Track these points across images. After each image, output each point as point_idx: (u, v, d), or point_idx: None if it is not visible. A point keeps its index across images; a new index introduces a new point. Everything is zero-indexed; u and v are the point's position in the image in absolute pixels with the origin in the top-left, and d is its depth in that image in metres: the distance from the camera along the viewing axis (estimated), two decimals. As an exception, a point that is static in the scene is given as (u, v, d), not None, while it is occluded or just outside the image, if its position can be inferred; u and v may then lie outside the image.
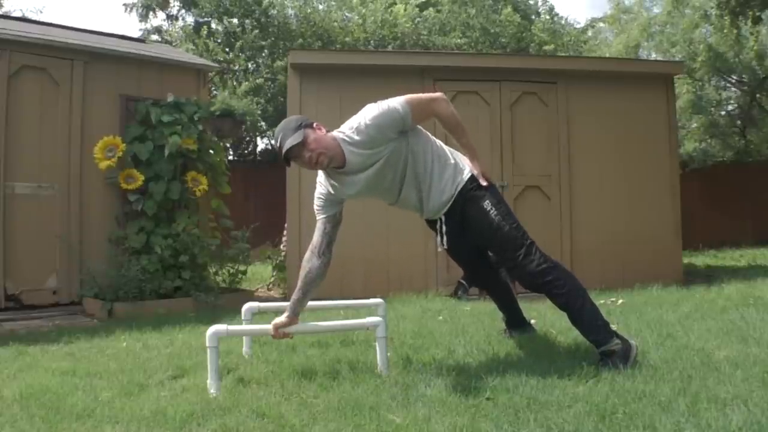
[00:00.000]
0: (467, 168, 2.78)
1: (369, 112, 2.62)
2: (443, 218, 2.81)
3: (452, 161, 2.78)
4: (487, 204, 2.71)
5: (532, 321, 3.35)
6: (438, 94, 2.78)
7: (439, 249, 2.91)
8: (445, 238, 2.82)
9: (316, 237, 2.74)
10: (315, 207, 2.80)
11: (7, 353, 3.29)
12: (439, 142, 2.84)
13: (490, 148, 6.07)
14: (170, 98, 5.43)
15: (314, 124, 2.66)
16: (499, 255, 2.87)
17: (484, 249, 3.00)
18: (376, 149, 2.62)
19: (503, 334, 3.29)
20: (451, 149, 2.85)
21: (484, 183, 2.73)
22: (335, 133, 2.68)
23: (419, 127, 2.76)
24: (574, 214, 6.15)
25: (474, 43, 14.21)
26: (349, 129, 2.64)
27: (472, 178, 2.75)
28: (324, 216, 2.76)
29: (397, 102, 2.62)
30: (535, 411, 2.06)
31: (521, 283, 2.81)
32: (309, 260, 2.71)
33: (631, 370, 2.49)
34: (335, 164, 2.63)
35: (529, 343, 3.06)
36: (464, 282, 3.19)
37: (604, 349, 2.58)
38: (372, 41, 13.54)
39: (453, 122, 2.76)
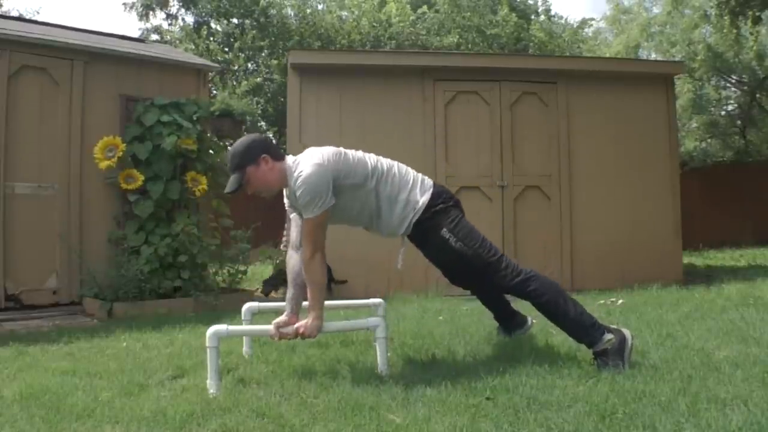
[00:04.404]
0: (421, 200, 2.75)
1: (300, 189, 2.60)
2: (405, 239, 2.87)
3: (404, 196, 2.75)
4: (445, 232, 2.74)
5: (535, 321, 3.35)
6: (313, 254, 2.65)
7: (398, 266, 2.93)
8: (400, 259, 2.87)
9: (293, 232, 2.84)
10: (286, 207, 2.93)
11: (7, 353, 3.29)
12: (395, 170, 2.80)
13: (490, 148, 6.07)
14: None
15: (261, 158, 2.64)
16: (471, 274, 2.91)
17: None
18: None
19: (498, 332, 3.30)
20: (411, 177, 2.82)
21: (302, 330, 2.64)
22: (294, 160, 2.68)
23: (369, 166, 2.73)
24: (574, 214, 6.14)
25: (470, 45, 14.18)
26: (297, 172, 2.61)
27: (427, 208, 2.74)
28: (295, 211, 2.84)
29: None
30: (535, 411, 2.06)
31: None
32: (291, 257, 2.84)
33: (631, 370, 2.49)
34: (283, 192, 2.78)
35: (529, 343, 3.06)
36: (270, 280, 3.21)
37: (597, 348, 2.59)
38: (367, 42, 13.51)
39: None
